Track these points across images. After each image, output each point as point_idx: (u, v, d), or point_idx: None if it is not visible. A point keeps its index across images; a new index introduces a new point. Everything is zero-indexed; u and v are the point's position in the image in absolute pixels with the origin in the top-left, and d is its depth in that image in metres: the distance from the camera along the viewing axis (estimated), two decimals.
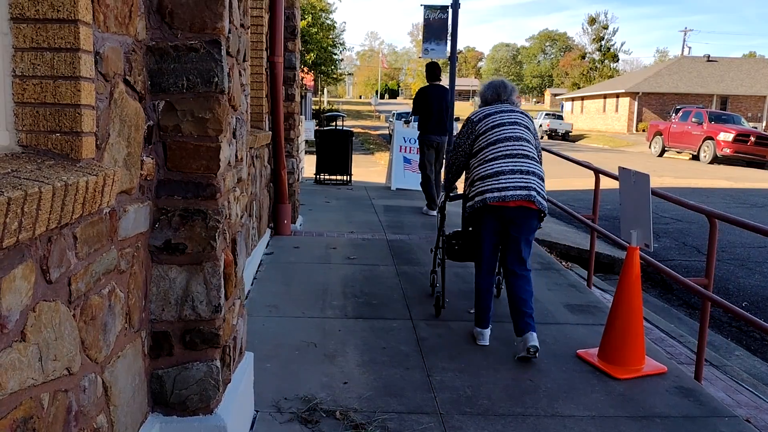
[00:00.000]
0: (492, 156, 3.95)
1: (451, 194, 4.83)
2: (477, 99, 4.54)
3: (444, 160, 8.29)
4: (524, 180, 3.85)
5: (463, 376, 3.53)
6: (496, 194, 3.83)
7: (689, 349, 4.74)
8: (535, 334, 3.82)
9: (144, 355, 2.19)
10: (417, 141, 8.54)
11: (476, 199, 3.93)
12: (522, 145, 3.97)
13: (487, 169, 3.92)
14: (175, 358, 2.29)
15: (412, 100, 8.60)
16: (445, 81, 9.12)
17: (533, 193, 3.83)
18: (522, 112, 4.18)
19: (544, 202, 3.90)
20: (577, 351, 3.93)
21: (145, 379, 2.21)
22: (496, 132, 4.01)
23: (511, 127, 4.02)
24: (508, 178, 3.85)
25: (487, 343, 4.09)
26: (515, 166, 3.89)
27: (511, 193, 3.81)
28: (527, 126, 4.09)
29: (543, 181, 3.98)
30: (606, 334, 3.81)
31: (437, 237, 4.89)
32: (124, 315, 1.98)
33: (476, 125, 4.10)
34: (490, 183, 3.87)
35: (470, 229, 4.34)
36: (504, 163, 3.90)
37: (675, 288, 6.80)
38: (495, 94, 4.28)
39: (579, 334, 4.26)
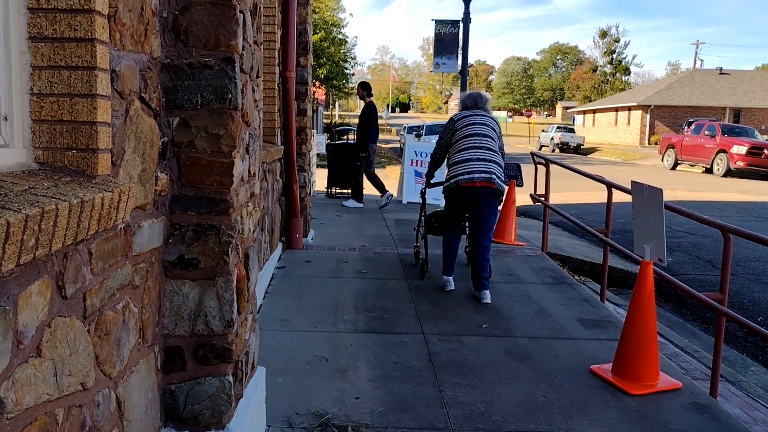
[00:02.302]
0: (464, 147, 5.20)
1: (431, 181, 5.98)
2: (459, 104, 5.85)
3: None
4: (487, 167, 5.08)
5: (476, 392, 3.51)
6: (466, 176, 5.06)
7: (704, 365, 4.69)
8: (487, 292, 5.23)
9: (157, 370, 2.20)
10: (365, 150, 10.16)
11: (451, 181, 5.17)
12: (487, 141, 5.21)
13: (460, 157, 5.16)
14: (188, 373, 2.29)
15: (359, 116, 10.47)
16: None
17: (494, 176, 5.07)
18: (491, 117, 5.45)
19: (503, 184, 5.16)
20: (591, 366, 3.90)
21: (157, 394, 2.22)
22: (468, 129, 5.28)
23: (480, 126, 5.28)
24: (475, 165, 5.08)
25: (453, 288, 5.43)
26: (481, 155, 5.12)
27: (477, 176, 5.04)
28: (493, 128, 5.34)
29: (502, 168, 5.24)
30: (620, 350, 3.78)
31: (419, 217, 6.17)
32: (137, 330, 1.99)
33: (455, 123, 5.37)
34: (462, 168, 5.10)
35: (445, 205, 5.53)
36: (472, 153, 5.14)
37: (689, 302, 6.75)
38: (473, 102, 5.54)
39: (592, 350, 4.23)
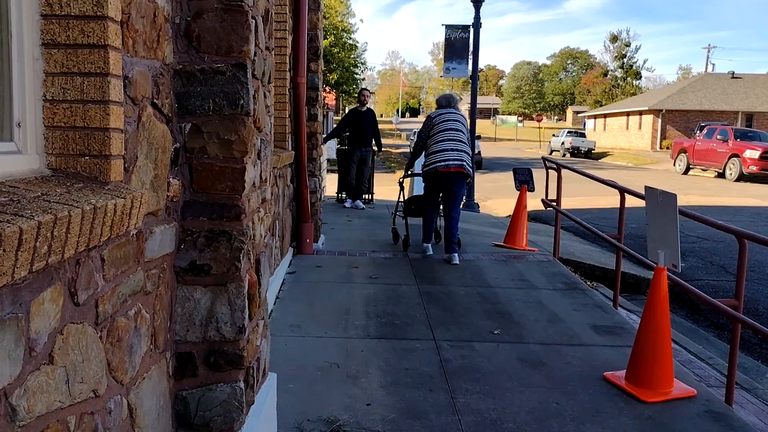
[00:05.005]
0: (440, 139, 6.46)
1: (409, 171, 7.50)
2: (435, 104, 7.11)
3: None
4: (459, 155, 6.37)
5: (488, 399, 3.49)
6: (443, 163, 6.34)
7: (719, 372, 4.64)
8: (456, 255, 6.61)
9: (168, 376, 2.19)
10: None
11: (430, 166, 6.44)
12: (458, 134, 6.49)
13: (437, 148, 6.43)
14: (200, 379, 2.28)
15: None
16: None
17: (464, 163, 6.37)
18: (461, 115, 6.76)
19: (471, 170, 6.52)
20: (604, 373, 3.87)
21: (169, 401, 2.21)
22: (443, 124, 6.54)
23: (453, 122, 6.56)
24: (450, 154, 6.35)
25: (431, 253, 6.87)
26: (454, 146, 6.40)
27: (451, 162, 6.33)
28: (462, 123, 6.64)
29: (471, 156, 6.58)
30: (633, 356, 3.74)
31: (397, 201, 7.64)
32: (149, 336, 1.99)
33: (433, 119, 6.64)
34: (439, 156, 6.38)
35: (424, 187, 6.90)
36: (447, 144, 6.41)
37: (703, 308, 6.68)
38: (446, 102, 6.85)
39: (606, 356, 4.19)
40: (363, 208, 10.94)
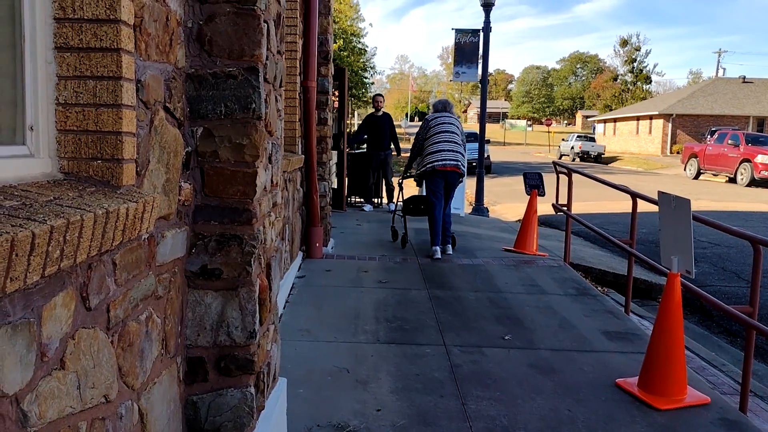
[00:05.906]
0: (436, 141, 6.95)
1: (408, 172, 7.77)
2: (431, 108, 7.95)
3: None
4: (454, 155, 6.89)
5: (499, 405, 3.46)
6: (439, 162, 6.84)
7: (732, 379, 4.59)
8: (450, 246, 7.21)
9: (179, 381, 2.18)
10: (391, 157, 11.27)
11: (428, 165, 6.91)
12: (453, 136, 6.99)
13: (434, 149, 6.92)
14: (210, 384, 2.27)
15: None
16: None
17: (458, 163, 6.90)
18: (456, 118, 7.31)
19: (464, 169, 7.05)
20: (617, 380, 3.83)
21: (180, 406, 2.20)
22: (439, 127, 7.01)
23: (448, 125, 7.03)
24: (445, 154, 6.86)
25: (440, 257, 6.98)
26: (449, 147, 6.90)
27: (447, 162, 6.84)
28: (457, 126, 7.13)
29: (464, 157, 7.06)
30: (646, 363, 3.71)
31: (396, 201, 8.06)
32: (160, 341, 1.98)
33: (430, 123, 7.11)
34: (435, 156, 6.86)
35: (422, 188, 7.72)
36: (443, 145, 6.91)
37: (715, 314, 6.62)
38: (442, 107, 7.44)
39: (618, 363, 4.15)
40: (398, 213, 10.91)
